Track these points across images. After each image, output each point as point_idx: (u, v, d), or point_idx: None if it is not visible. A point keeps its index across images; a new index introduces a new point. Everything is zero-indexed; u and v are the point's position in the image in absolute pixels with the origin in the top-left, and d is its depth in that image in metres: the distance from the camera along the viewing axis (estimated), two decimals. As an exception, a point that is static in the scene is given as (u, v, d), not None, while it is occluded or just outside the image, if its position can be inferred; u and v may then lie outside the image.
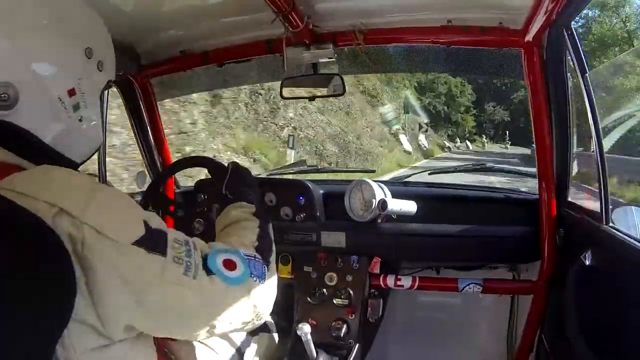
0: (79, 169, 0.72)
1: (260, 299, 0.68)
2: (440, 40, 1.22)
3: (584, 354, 0.90)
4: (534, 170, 1.31)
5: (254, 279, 0.66)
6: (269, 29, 1.20)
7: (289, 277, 1.50)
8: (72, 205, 0.51)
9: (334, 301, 1.44)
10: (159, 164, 1.64)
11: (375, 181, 1.41)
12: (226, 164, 0.98)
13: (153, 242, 0.56)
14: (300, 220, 1.47)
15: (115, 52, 0.76)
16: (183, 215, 1.47)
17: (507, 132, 35.86)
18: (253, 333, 1.18)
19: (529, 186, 1.59)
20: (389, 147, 16.68)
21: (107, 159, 1.59)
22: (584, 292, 1.01)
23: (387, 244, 1.41)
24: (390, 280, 1.41)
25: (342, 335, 1.41)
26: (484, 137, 37.06)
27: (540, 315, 1.33)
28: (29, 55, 0.60)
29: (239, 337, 1.12)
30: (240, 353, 1.10)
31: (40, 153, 0.62)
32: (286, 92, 1.44)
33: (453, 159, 19.62)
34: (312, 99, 1.44)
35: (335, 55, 1.27)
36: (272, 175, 1.97)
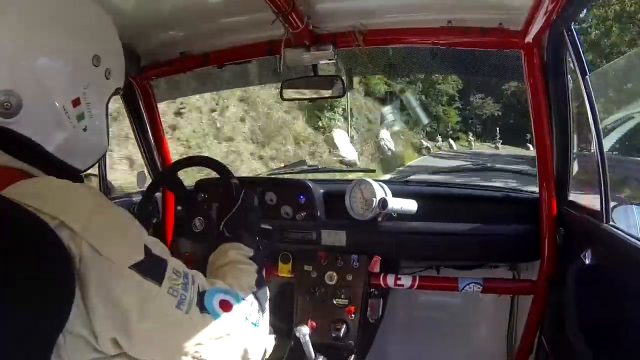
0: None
1: (252, 344, 0.67)
2: (440, 42, 1.22)
3: (584, 353, 0.91)
4: (534, 170, 1.31)
5: (248, 323, 0.65)
6: (269, 30, 1.20)
7: (289, 276, 1.51)
8: (73, 220, 0.51)
9: (334, 301, 1.44)
10: (159, 164, 1.64)
11: (375, 180, 1.42)
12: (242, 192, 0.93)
13: (151, 268, 0.55)
14: (300, 219, 1.48)
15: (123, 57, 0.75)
16: (183, 213, 1.48)
17: (498, 129, 30.35)
18: None
19: (529, 188, 1.59)
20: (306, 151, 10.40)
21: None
22: (584, 292, 1.01)
23: (388, 243, 1.41)
24: (390, 280, 1.42)
25: (341, 335, 1.41)
26: (471, 134, 30.85)
27: (540, 315, 1.33)
28: (32, 64, 0.59)
29: None
30: None
31: (44, 160, 0.61)
32: (286, 93, 1.44)
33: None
34: (312, 100, 1.44)
35: (335, 57, 1.27)
36: (272, 174, 1.97)
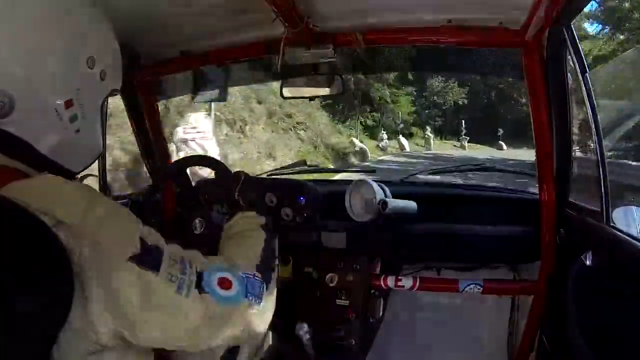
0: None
1: (254, 319, 0.67)
2: (440, 41, 1.22)
3: (584, 354, 0.90)
4: (533, 170, 1.31)
5: (250, 298, 0.65)
6: (269, 29, 1.20)
7: (290, 277, 1.51)
8: (69, 216, 0.51)
9: (335, 302, 1.44)
10: (158, 164, 1.64)
11: (375, 181, 1.42)
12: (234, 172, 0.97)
13: (148, 259, 0.56)
14: (300, 220, 1.47)
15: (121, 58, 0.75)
16: (183, 213, 1.48)
17: (464, 122, 23.03)
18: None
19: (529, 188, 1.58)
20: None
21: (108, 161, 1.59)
22: (584, 292, 1.01)
23: (388, 244, 1.41)
24: (391, 281, 1.41)
25: (342, 335, 1.41)
26: (428, 129, 22.47)
27: (541, 315, 1.33)
28: (25, 65, 0.59)
29: None
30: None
31: (37, 161, 0.61)
32: (286, 92, 1.44)
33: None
34: (312, 99, 1.44)
35: (335, 55, 1.27)
36: (272, 175, 1.97)
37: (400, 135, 20.39)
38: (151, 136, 1.61)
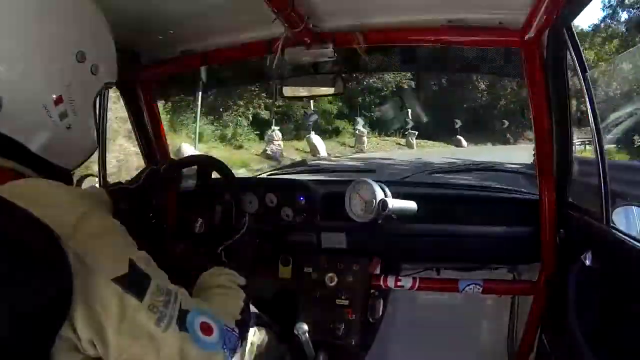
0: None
1: None
2: (440, 41, 1.22)
3: (584, 354, 0.90)
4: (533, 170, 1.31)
5: (225, 350, 0.63)
6: (269, 29, 1.20)
7: (289, 278, 1.51)
8: (60, 227, 0.50)
9: (335, 302, 1.44)
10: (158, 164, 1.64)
11: (375, 181, 1.42)
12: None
13: (133, 283, 0.54)
14: (300, 221, 1.47)
15: (115, 51, 0.73)
16: (184, 213, 1.47)
17: (409, 112, 17.90)
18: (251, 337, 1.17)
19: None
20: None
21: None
22: (584, 293, 1.01)
23: (388, 245, 1.41)
24: (391, 281, 1.41)
25: (342, 335, 1.41)
26: (360, 122, 16.57)
27: (541, 315, 1.33)
28: (11, 61, 0.58)
29: None
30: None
31: (29, 160, 0.60)
32: (287, 91, 1.44)
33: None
34: (312, 98, 1.44)
35: (335, 55, 1.26)
36: (272, 175, 1.97)
37: (312, 133, 13.87)
38: (151, 136, 1.61)
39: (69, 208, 0.53)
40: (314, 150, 13.52)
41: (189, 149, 8.57)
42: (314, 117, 14.21)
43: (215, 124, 12.34)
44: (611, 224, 0.99)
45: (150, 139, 1.61)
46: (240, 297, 0.76)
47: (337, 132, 16.74)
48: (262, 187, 1.54)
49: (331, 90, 1.41)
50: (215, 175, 1.17)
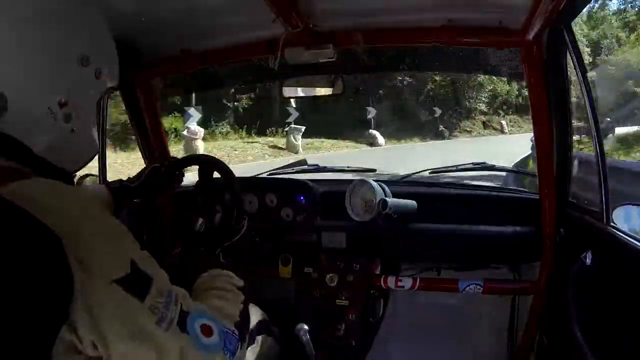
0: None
1: None
2: (440, 40, 1.22)
3: (584, 354, 0.91)
4: (534, 170, 1.31)
5: (225, 352, 0.63)
6: (269, 29, 1.20)
7: (289, 277, 1.51)
8: (60, 227, 0.50)
9: (335, 302, 1.44)
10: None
11: (375, 181, 1.42)
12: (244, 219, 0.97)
13: (135, 284, 0.54)
14: (300, 220, 1.48)
15: (117, 56, 0.74)
16: (184, 212, 1.47)
17: (294, 102, 11.44)
18: (252, 337, 1.17)
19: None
20: None
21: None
22: (584, 292, 1.01)
23: (388, 244, 1.41)
24: (391, 281, 1.41)
25: (342, 335, 1.41)
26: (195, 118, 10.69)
27: (542, 315, 1.33)
28: (17, 64, 0.58)
29: None
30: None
31: (32, 162, 0.60)
32: (287, 91, 1.44)
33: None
34: (312, 98, 1.44)
35: (335, 55, 1.27)
36: (272, 175, 1.97)
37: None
38: (151, 136, 1.61)
39: (69, 209, 0.53)
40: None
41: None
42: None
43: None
44: (611, 224, 0.99)
45: (150, 139, 1.61)
46: (239, 299, 0.76)
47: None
48: (262, 186, 1.54)
49: (331, 90, 1.41)
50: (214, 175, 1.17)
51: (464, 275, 1.45)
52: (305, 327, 1.28)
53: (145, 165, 1.23)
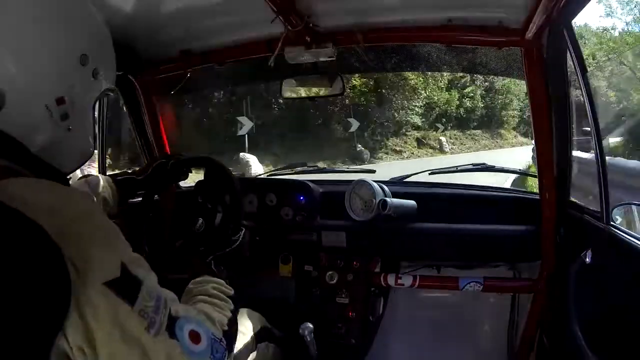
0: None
1: None
2: (440, 40, 1.22)
3: (584, 352, 0.91)
4: (534, 170, 1.31)
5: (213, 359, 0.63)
6: (269, 28, 1.20)
7: (290, 276, 1.51)
8: (52, 227, 0.49)
9: (335, 300, 1.44)
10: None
11: (375, 181, 1.42)
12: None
13: (125, 287, 0.53)
14: (300, 220, 1.48)
15: (116, 52, 0.73)
16: (184, 212, 1.47)
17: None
18: (254, 345, 1.16)
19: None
20: None
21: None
22: (584, 291, 1.01)
23: (388, 244, 1.41)
24: (391, 279, 1.42)
25: (342, 333, 1.42)
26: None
27: (541, 313, 1.33)
28: (16, 60, 0.58)
29: (240, 349, 1.09)
30: None
31: (27, 159, 0.60)
32: (286, 91, 1.44)
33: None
34: (312, 98, 1.44)
35: (335, 55, 1.27)
36: (272, 175, 1.97)
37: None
38: (151, 136, 1.61)
39: (60, 211, 0.52)
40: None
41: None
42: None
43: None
44: (611, 223, 0.99)
45: (150, 140, 1.61)
46: (228, 307, 0.75)
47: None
48: (262, 186, 1.54)
49: (331, 90, 1.41)
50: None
51: (464, 273, 1.45)
52: (310, 326, 1.28)
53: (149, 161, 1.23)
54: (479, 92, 19.23)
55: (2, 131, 0.58)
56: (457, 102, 17.57)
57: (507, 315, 1.60)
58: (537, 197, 1.27)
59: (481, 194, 1.55)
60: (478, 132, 18.97)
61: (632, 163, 4.03)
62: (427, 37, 1.23)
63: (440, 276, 1.50)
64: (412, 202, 1.36)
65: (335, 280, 1.45)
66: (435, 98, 16.68)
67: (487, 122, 19.59)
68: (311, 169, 1.96)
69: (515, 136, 20.15)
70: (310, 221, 1.47)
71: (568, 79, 1.16)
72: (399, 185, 1.64)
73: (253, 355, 1.15)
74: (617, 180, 3.30)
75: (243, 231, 0.98)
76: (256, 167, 9.01)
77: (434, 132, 16.79)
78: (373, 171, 2.00)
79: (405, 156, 14.74)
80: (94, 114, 0.70)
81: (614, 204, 1.04)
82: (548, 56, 1.14)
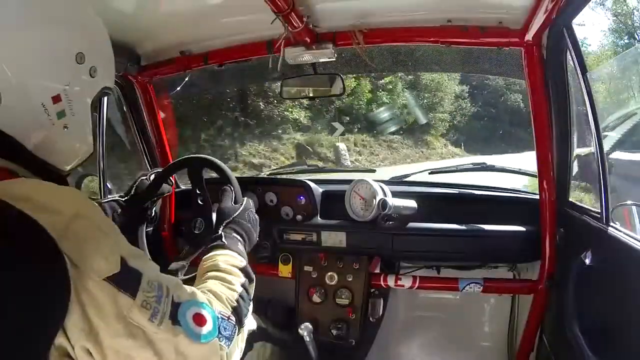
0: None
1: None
2: (440, 40, 1.22)
3: (584, 353, 0.90)
4: (534, 170, 1.31)
5: (220, 339, 0.62)
6: (269, 29, 1.20)
7: (289, 277, 1.51)
8: (51, 226, 0.49)
9: (335, 301, 1.44)
10: (159, 164, 1.64)
11: (375, 181, 1.42)
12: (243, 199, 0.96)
13: (126, 281, 0.54)
14: (300, 220, 1.48)
15: (116, 52, 0.73)
16: (184, 213, 1.48)
17: None
18: (250, 345, 1.16)
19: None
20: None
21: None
22: (584, 292, 1.01)
23: (388, 244, 1.41)
24: (391, 280, 1.42)
25: (342, 334, 1.42)
26: None
27: (541, 315, 1.33)
28: (10, 58, 0.58)
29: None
30: None
31: (25, 159, 0.60)
32: (286, 92, 1.44)
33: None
34: (312, 99, 1.44)
35: (335, 55, 1.27)
36: (272, 174, 1.97)
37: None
38: (151, 136, 1.61)
39: (59, 209, 0.52)
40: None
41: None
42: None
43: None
44: (611, 224, 0.99)
45: (150, 140, 1.62)
46: (238, 280, 0.74)
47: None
48: (262, 186, 1.54)
49: (331, 91, 1.41)
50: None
51: (463, 274, 1.45)
52: (310, 326, 1.28)
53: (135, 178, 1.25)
54: (400, 85, 14.69)
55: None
56: (369, 95, 12.35)
57: (507, 315, 1.60)
58: (537, 197, 1.27)
59: (481, 194, 1.55)
60: (397, 137, 14.33)
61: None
62: (427, 38, 1.23)
63: (440, 277, 1.50)
64: (412, 202, 1.36)
65: (335, 282, 1.45)
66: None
67: (410, 127, 14.90)
68: (311, 168, 1.96)
69: (445, 145, 16.42)
70: (310, 221, 1.47)
71: (568, 79, 1.16)
72: (399, 185, 1.64)
73: (250, 354, 1.15)
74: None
75: (245, 198, 0.97)
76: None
77: (328, 136, 11.94)
78: (373, 171, 2.00)
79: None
80: (92, 113, 0.70)
81: (614, 205, 1.04)
82: (548, 57, 1.14)
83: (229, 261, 0.77)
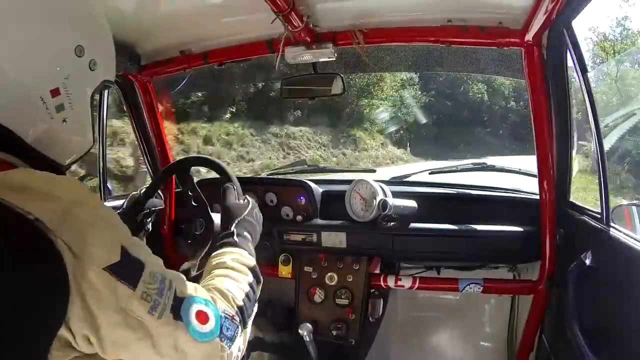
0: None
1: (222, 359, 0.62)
2: (440, 40, 1.22)
3: (584, 354, 0.90)
4: (534, 170, 1.30)
5: (222, 339, 0.61)
6: (269, 29, 1.20)
7: (289, 277, 1.51)
8: (48, 216, 0.49)
9: (335, 301, 1.44)
10: (159, 164, 1.64)
11: (376, 181, 1.42)
12: (245, 197, 0.96)
13: (126, 271, 0.53)
14: (300, 220, 1.48)
15: (116, 52, 0.73)
16: (184, 213, 1.48)
17: None
18: (246, 354, 1.15)
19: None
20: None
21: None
22: (584, 292, 1.01)
23: (388, 244, 1.41)
24: (391, 280, 1.41)
25: (342, 334, 1.42)
26: None
27: (541, 315, 1.33)
28: (8, 51, 0.57)
29: None
30: None
31: (23, 152, 0.60)
32: (286, 92, 1.44)
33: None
34: (312, 98, 1.44)
35: (335, 55, 1.27)
36: (272, 175, 1.97)
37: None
38: (151, 136, 1.61)
39: (57, 196, 0.52)
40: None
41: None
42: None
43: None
44: (611, 224, 0.99)
45: (150, 140, 1.62)
46: (245, 280, 0.73)
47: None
48: (262, 186, 1.54)
49: (331, 90, 1.41)
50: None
51: (463, 274, 1.45)
52: (310, 326, 1.28)
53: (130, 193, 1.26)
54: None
55: None
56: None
57: (506, 316, 1.60)
58: (537, 197, 1.27)
59: (481, 194, 1.55)
60: (296, 131, 11.45)
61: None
62: (427, 38, 1.23)
63: (440, 278, 1.50)
64: (412, 202, 1.36)
65: (335, 282, 1.45)
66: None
67: (340, 131, 11.90)
68: (311, 168, 1.96)
69: (383, 144, 13.99)
70: (310, 221, 1.47)
71: (568, 79, 1.16)
72: (399, 185, 1.64)
73: None
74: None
75: (252, 199, 0.98)
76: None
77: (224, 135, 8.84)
78: (373, 171, 2.00)
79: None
80: (92, 107, 0.69)
81: (614, 205, 1.04)
82: (548, 57, 1.14)
83: (239, 259, 0.76)
